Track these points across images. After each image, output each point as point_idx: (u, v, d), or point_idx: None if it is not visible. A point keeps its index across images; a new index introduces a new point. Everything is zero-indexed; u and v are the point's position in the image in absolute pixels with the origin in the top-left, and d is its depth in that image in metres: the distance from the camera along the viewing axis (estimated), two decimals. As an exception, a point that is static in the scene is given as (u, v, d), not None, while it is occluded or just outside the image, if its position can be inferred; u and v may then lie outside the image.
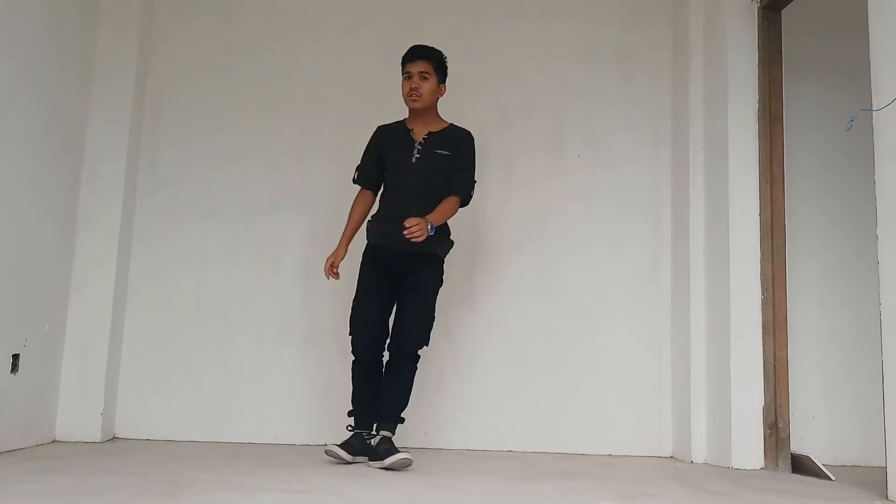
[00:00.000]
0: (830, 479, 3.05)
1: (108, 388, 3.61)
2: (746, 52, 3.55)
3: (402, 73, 3.28)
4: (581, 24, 4.10)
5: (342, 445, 3.06)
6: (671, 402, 3.78)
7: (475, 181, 3.32)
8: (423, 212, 3.10)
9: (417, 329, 3.14)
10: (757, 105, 3.53)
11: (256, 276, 3.86)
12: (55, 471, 2.68)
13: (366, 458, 3.05)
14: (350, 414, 3.17)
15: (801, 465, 3.26)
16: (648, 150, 4.00)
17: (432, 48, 3.29)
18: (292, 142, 3.97)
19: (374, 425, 3.10)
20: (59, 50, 3.46)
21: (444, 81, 3.30)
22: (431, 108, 3.28)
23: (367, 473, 2.85)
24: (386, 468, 2.90)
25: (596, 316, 3.87)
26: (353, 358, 3.19)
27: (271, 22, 4.06)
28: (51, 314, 3.45)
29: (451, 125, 3.32)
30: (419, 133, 3.26)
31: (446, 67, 3.30)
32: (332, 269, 3.24)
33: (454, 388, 3.80)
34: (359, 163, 3.34)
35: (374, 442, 3.04)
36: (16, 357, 3.17)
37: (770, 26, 3.55)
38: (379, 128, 3.37)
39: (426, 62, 3.24)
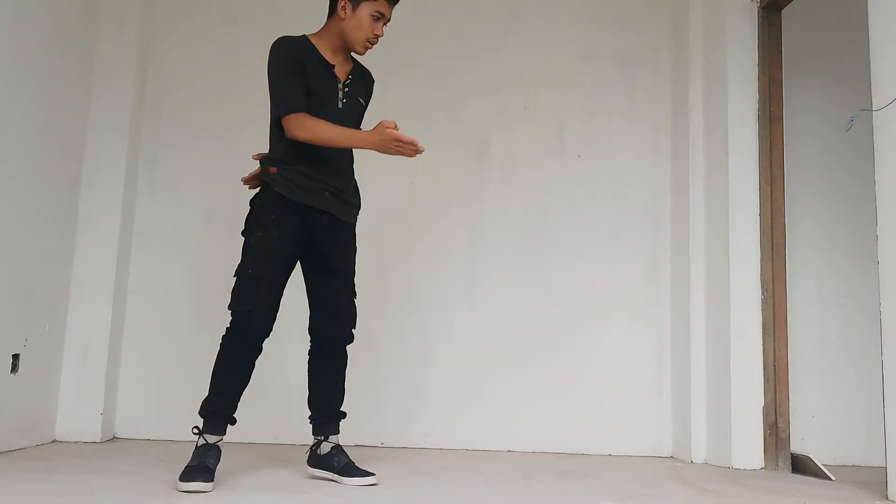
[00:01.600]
0: (830, 479, 3.04)
1: (108, 388, 3.61)
2: (746, 53, 3.55)
3: (369, 4, 2.61)
4: (581, 26, 4.10)
5: (199, 470, 2.39)
6: (671, 401, 3.78)
7: None
8: (346, 168, 2.68)
9: (354, 310, 2.72)
10: (757, 105, 3.53)
11: (256, 276, 3.85)
12: (55, 471, 2.69)
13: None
14: (209, 414, 2.55)
15: (801, 465, 3.26)
16: (648, 150, 4.00)
17: None
18: (292, 142, 3.97)
19: (318, 430, 2.69)
20: (59, 51, 3.46)
21: None
22: None
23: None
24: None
25: (596, 315, 3.87)
26: (238, 337, 2.53)
27: (271, 23, 4.05)
28: (51, 314, 3.46)
29: (354, 59, 2.76)
30: (341, 71, 2.68)
31: None
32: (411, 145, 2.49)
33: (454, 388, 3.80)
34: (281, 91, 2.57)
35: (323, 451, 2.65)
36: (16, 357, 3.18)
37: (770, 26, 3.55)
38: (290, 46, 2.61)
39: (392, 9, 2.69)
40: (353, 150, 2.72)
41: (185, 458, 3.09)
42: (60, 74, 3.47)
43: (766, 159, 3.49)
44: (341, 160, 2.68)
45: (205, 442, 2.51)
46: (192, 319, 3.80)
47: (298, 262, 2.70)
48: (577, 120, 4.02)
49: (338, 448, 2.67)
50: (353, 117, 2.71)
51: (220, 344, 2.59)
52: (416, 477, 2.82)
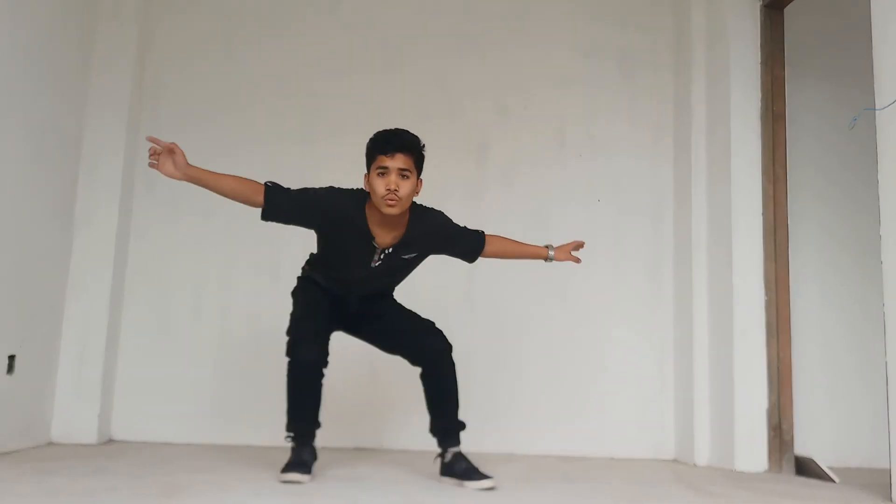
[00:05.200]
0: (834, 481, 3.02)
1: (105, 389, 3.59)
2: (749, 51, 3.54)
3: (373, 165, 2.55)
4: (582, 24, 4.09)
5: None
6: (674, 404, 3.75)
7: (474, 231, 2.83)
8: (376, 293, 2.81)
9: (431, 328, 2.80)
10: (759, 104, 3.52)
11: (254, 276, 3.84)
12: (51, 473, 2.66)
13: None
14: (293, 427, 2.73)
15: (805, 468, 3.24)
16: (650, 150, 3.99)
17: (412, 137, 2.59)
18: (291, 140, 3.96)
19: (439, 443, 2.81)
20: (57, 47, 3.44)
21: (421, 174, 2.62)
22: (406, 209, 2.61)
23: (366, 475, 2.83)
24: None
25: (598, 317, 3.85)
26: (292, 359, 2.67)
27: (270, 18, 4.05)
28: (48, 315, 3.43)
29: (414, 217, 2.65)
30: (383, 240, 2.62)
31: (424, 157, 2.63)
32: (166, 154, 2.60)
33: (454, 390, 3.77)
34: (289, 188, 2.62)
35: (447, 459, 2.77)
36: (12, 358, 3.15)
37: (772, 25, 3.55)
38: (339, 201, 2.62)
39: (407, 157, 2.54)
40: (400, 283, 2.87)
41: (182, 460, 3.08)
42: (58, 71, 3.45)
43: (769, 158, 3.47)
44: (373, 289, 2.81)
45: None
46: (189, 321, 3.78)
47: (358, 336, 2.91)
48: (577, 120, 4.01)
49: (457, 455, 2.77)
50: (389, 270, 2.74)
51: None
52: (418, 479, 2.80)
